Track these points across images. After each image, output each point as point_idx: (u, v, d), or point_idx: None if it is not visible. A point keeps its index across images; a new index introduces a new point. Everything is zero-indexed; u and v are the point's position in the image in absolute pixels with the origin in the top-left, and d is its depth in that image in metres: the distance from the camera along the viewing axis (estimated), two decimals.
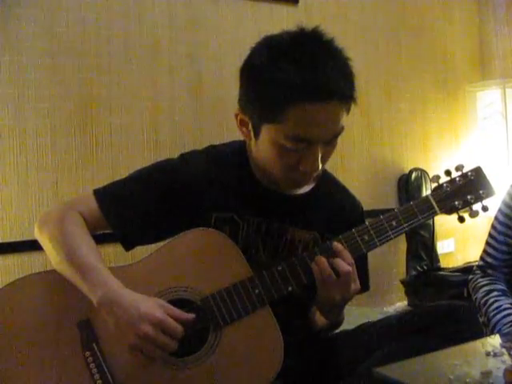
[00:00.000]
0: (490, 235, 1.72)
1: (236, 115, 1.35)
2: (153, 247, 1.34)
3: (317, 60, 1.22)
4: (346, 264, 1.24)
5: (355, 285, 1.27)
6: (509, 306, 1.62)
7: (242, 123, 1.34)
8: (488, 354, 1.23)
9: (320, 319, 1.41)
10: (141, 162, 1.46)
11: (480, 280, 1.74)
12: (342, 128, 1.27)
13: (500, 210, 1.70)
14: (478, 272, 1.77)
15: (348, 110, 1.28)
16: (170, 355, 1.20)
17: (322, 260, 1.25)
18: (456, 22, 3.45)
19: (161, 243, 1.34)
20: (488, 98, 3.22)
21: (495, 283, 1.71)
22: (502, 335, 1.50)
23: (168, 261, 1.28)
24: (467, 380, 1.08)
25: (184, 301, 1.25)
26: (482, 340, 1.37)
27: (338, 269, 1.24)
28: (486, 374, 1.11)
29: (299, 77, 1.19)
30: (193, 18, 2.54)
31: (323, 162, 1.30)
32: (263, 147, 1.30)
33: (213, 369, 1.22)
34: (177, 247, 1.30)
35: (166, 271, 1.28)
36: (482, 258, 1.76)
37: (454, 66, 3.43)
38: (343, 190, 1.53)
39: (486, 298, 1.67)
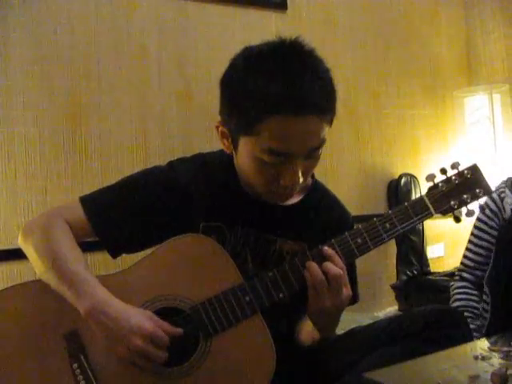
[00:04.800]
0: (469, 241, 1.88)
1: (217, 127, 1.34)
2: (141, 254, 1.34)
3: (292, 73, 1.20)
4: (336, 267, 1.22)
5: (347, 290, 1.24)
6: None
7: (223, 135, 1.34)
8: (476, 357, 1.24)
9: (312, 334, 1.37)
10: (130, 169, 1.46)
11: (456, 291, 1.81)
12: (323, 141, 1.25)
13: (477, 218, 1.86)
14: (457, 277, 1.89)
15: (330, 123, 1.26)
16: (160, 365, 1.19)
17: (313, 265, 1.23)
18: (443, 29, 3.48)
19: (149, 250, 1.33)
20: (475, 104, 3.23)
21: (470, 299, 1.76)
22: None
23: (157, 268, 1.27)
24: None
25: (173, 309, 1.24)
26: (471, 344, 1.38)
27: (328, 272, 1.21)
28: (474, 378, 1.12)
29: (273, 89, 1.17)
30: (181, 24, 2.54)
31: (305, 176, 1.28)
32: (242, 160, 1.29)
33: (203, 378, 1.21)
34: (165, 254, 1.28)
35: (155, 279, 1.26)
36: (461, 262, 1.91)
37: (441, 72, 3.45)
38: (333, 201, 1.51)
39: None
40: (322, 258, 1.25)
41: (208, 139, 2.50)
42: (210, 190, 1.38)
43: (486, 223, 1.82)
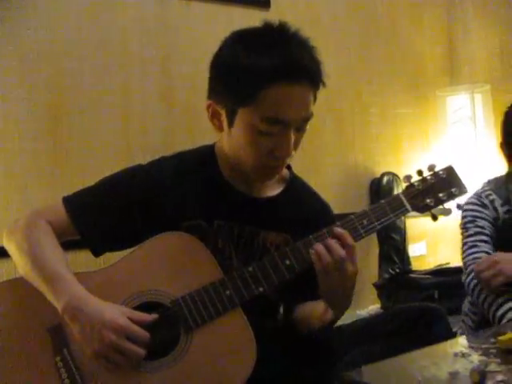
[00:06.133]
0: (471, 227, 1.83)
1: (208, 106, 1.36)
2: (124, 252, 1.33)
3: (288, 45, 1.28)
4: (340, 248, 1.24)
5: (353, 267, 1.26)
6: None
7: (214, 115, 1.35)
8: (456, 354, 1.26)
9: (322, 316, 1.37)
10: (111, 167, 1.44)
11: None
12: (312, 114, 1.31)
13: (467, 210, 1.86)
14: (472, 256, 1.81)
15: (315, 98, 1.32)
16: (139, 359, 1.19)
17: (320, 247, 1.24)
18: (426, 28, 3.50)
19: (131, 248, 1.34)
20: (457, 103, 3.26)
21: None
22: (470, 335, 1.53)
23: (138, 265, 1.28)
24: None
25: (154, 304, 1.25)
26: (451, 341, 1.40)
27: (332, 252, 1.23)
28: (454, 375, 1.13)
29: (274, 59, 1.24)
30: (164, 22, 2.53)
31: (294, 149, 1.32)
32: (238, 134, 1.31)
33: (184, 371, 1.21)
34: (146, 251, 1.29)
35: (136, 275, 1.27)
36: (476, 252, 1.80)
37: (424, 71, 3.47)
38: (313, 194, 1.53)
39: None
40: (302, 252, 1.27)
41: (191, 137, 2.50)
42: (191, 186, 1.39)
43: (479, 211, 1.84)
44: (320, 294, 1.32)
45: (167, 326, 1.23)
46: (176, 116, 2.53)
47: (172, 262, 1.28)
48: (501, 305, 1.67)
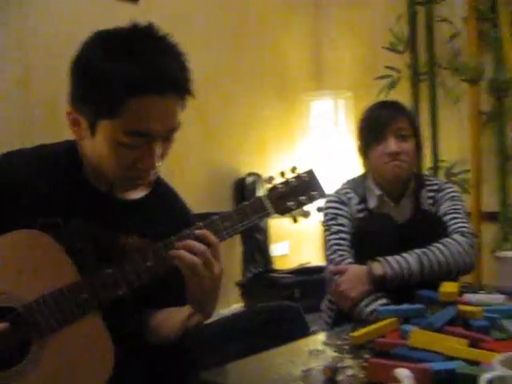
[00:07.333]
0: (333, 225, 1.93)
1: (68, 114, 1.28)
2: None
3: (153, 53, 1.22)
4: (201, 245, 1.22)
5: (218, 266, 1.25)
6: None
7: (74, 122, 1.28)
8: (311, 352, 1.30)
9: (186, 322, 1.32)
10: None
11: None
12: (179, 124, 1.27)
13: (328, 207, 1.96)
14: (340, 258, 1.89)
15: (183, 106, 1.28)
16: None
17: (182, 247, 1.22)
18: (294, 33, 3.61)
19: None
20: (321, 108, 3.40)
21: None
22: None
23: None
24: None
25: (3, 308, 1.16)
26: (308, 339, 1.44)
27: (194, 251, 1.21)
28: (308, 372, 1.17)
29: (137, 69, 1.18)
30: (22, 6, 2.38)
31: (161, 159, 1.29)
32: (99, 146, 1.25)
33: (36, 380, 1.14)
34: None
35: None
36: (332, 245, 1.91)
37: (291, 75, 3.57)
38: (174, 197, 1.52)
39: None
40: (163, 253, 1.24)
41: (50, 129, 2.38)
42: (49, 183, 1.32)
43: (339, 209, 1.94)
44: (188, 298, 1.29)
45: (18, 333, 1.15)
46: (34, 106, 2.39)
47: (22, 263, 1.20)
48: (370, 303, 1.74)
